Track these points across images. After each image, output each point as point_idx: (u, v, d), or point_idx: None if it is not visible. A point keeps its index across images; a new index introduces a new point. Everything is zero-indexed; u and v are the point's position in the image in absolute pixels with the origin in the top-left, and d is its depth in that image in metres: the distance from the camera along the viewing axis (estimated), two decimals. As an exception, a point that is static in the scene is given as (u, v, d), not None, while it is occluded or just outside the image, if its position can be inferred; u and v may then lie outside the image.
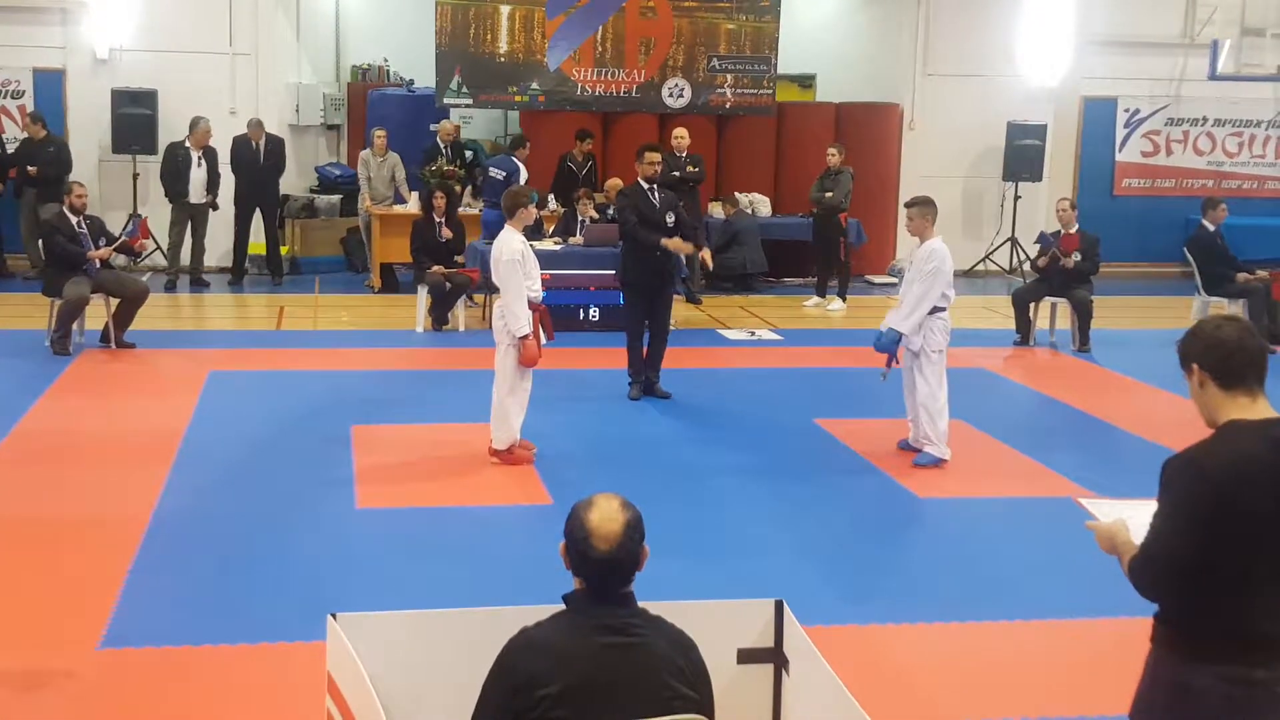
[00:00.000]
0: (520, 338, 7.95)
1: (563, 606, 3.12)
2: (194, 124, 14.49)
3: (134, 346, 11.18)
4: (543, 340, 8.13)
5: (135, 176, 15.01)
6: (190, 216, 14.56)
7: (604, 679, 2.99)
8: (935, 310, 8.21)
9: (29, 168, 14.39)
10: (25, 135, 14.72)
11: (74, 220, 11.19)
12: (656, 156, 10.13)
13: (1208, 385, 3.26)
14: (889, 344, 8.27)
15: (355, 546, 6.73)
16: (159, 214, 15.01)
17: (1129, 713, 3.45)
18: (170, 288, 14.28)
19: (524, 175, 13.34)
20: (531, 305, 8.02)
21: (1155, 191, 17.79)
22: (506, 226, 8.25)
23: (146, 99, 14.91)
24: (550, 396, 9.88)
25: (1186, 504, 3.14)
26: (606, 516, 3.07)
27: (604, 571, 3.06)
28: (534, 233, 13.15)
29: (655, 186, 10.01)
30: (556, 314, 12.34)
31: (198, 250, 14.73)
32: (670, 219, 9.91)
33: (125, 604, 5.85)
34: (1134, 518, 3.48)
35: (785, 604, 3.82)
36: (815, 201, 14.63)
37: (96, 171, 15.16)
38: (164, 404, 9.45)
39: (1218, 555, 3.14)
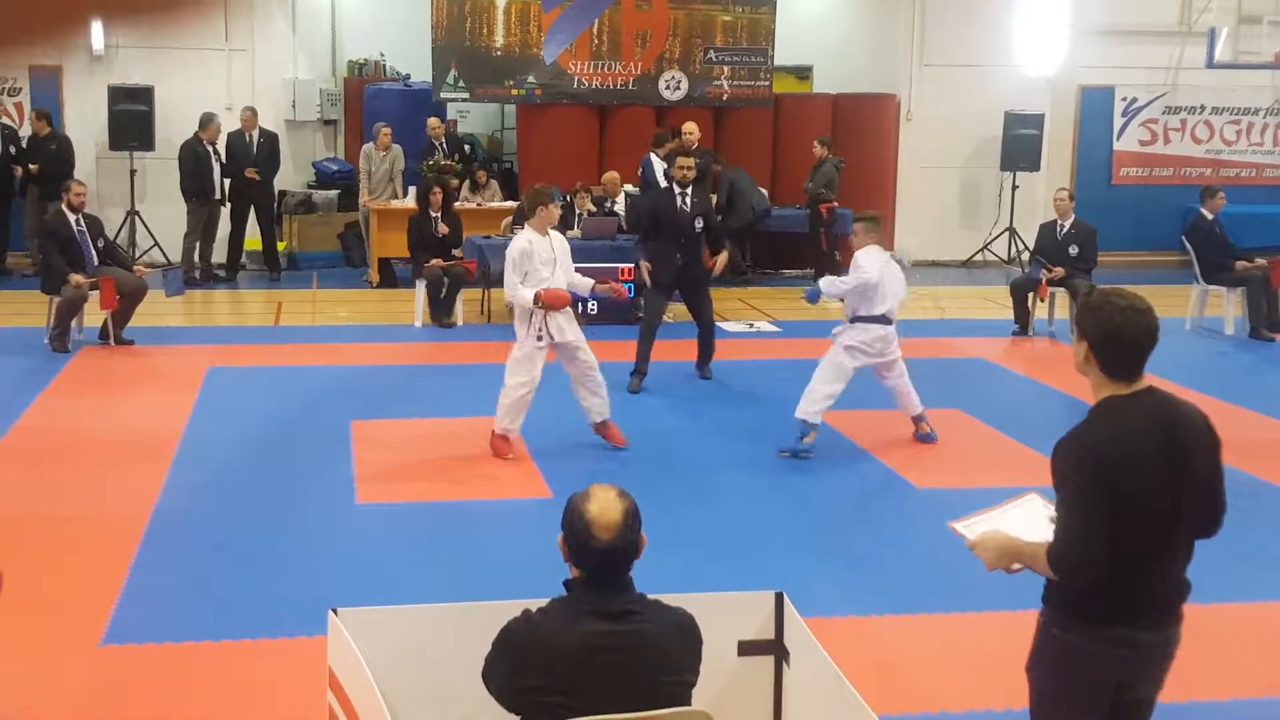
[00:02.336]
0: (535, 303, 7.92)
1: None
2: (208, 120, 14.48)
3: (132, 343, 11.18)
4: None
5: (133, 173, 15.00)
6: (209, 213, 14.57)
7: (603, 664, 3.04)
8: (862, 319, 8.33)
9: (30, 165, 14.41)
10: (29, 133, 14.73)
11: (72, 219, 11.18)
12: (689, 162, 10.18)
13: (1091, 362, 3.37)
14: (810, 295, 8.64)
15: (355, 542, 6.74)
16: (157, 213, 15.03)
17: (1025, 668, 3.55)
18: (192, 284, 13.97)
19: (658, 170, 13.29)
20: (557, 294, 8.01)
21: (1153, 180, 17.78)
22: (525, 224, 8.28)
23: (143, 95, 14.90)
24: (548, 389, 9.88)
25: (1084, 483, 3.24)
26: (605, 507, 3.12)
27: (605, 561, 3.11)
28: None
29: (689, 190, 10.04)
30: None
31: (209, 246, 14.74)
32: (699, 224, 10.01)
33: (127, 601, 5.85)
34: (1008, 526, 3.53)
35: (786, 596, 3.83)
36: (808, 193, 14.76)
37: (94, 169, 15.15)
38: (163, 401, 9.45)
39: (1114, 527, 3.24)
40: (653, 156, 13.67)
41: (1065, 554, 3.28)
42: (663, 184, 11.90)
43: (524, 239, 8.07)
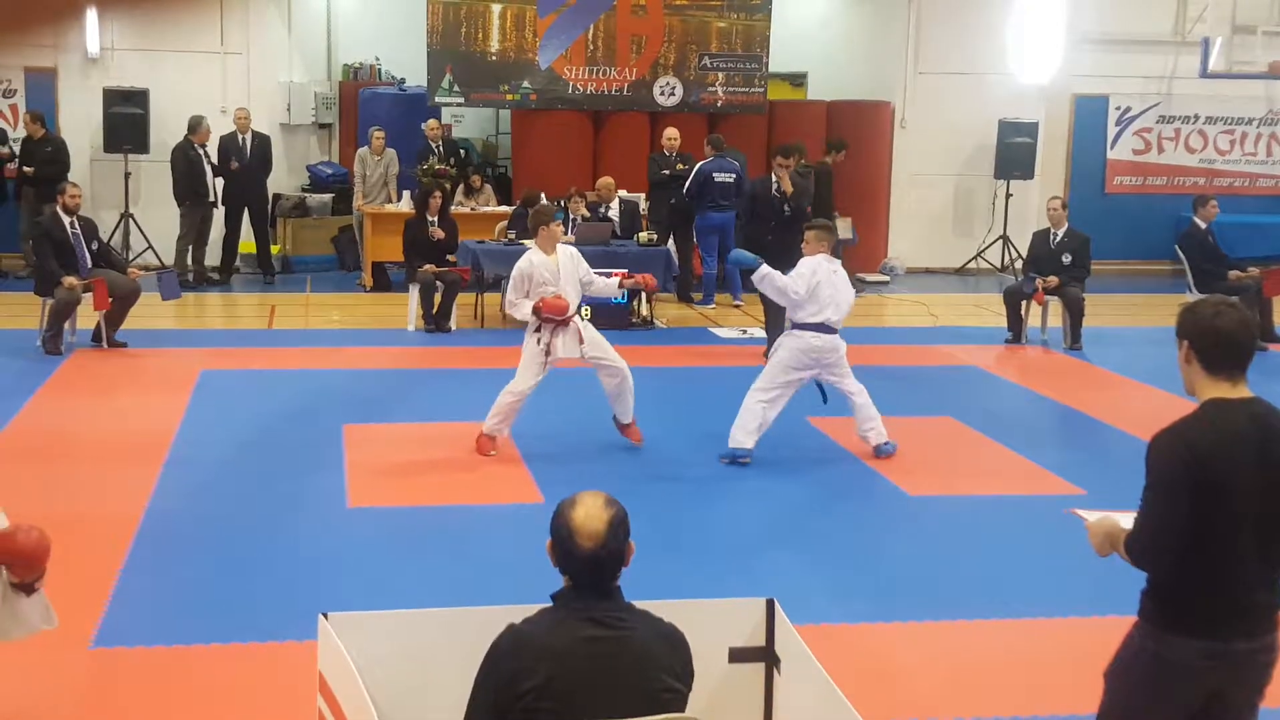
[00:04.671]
0: (534, 313, 8.10)
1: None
2: (197, 123, 14.47)
3: (125, 346, 11.17)
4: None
5: (127, 176, 14.99)
6: (202, 217, 14.58)
7: (590, 671, 3.03)
8: (798, 326, 8.25)
9: (25, 167, 14.40)
10: (25, 135, 14.71)
11: (67, 221, 11.17)
12: (788, 161, 11.75)
13: (1193, 362, 3.41)
14: (732, 260, 8.88)
15: (347, 546, 6.73)
16: (151, 215, 15.03)
17: (1104, 672, 3.56)
18: (185, 286, 13.95)
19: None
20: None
21: (1147, 189, 17.81)
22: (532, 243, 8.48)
23: (138, 98, 14.89)
24: (544, 395, 9.88)
25: (1173, 476, 3.28)
26: (591, 514, 3.11)
27: (590, 568, 3.10)
28: (525, 231, 13.19)
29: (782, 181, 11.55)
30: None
31: (203, 249, 14.73)
32: (786, 209, 11.40)
33: (117, 603, 5.84)
34: (1125, 520, 3.54)
35: (776, 603, 3.83)
36: None
37: (89, 171, 15.14)
38: (156, 403, 9.45)
39: (1203, 527, 3.28)
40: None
41: (1137, 539, 3.35)
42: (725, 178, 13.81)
43: (525, 260, 8.24)
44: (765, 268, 8.36)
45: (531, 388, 8.28)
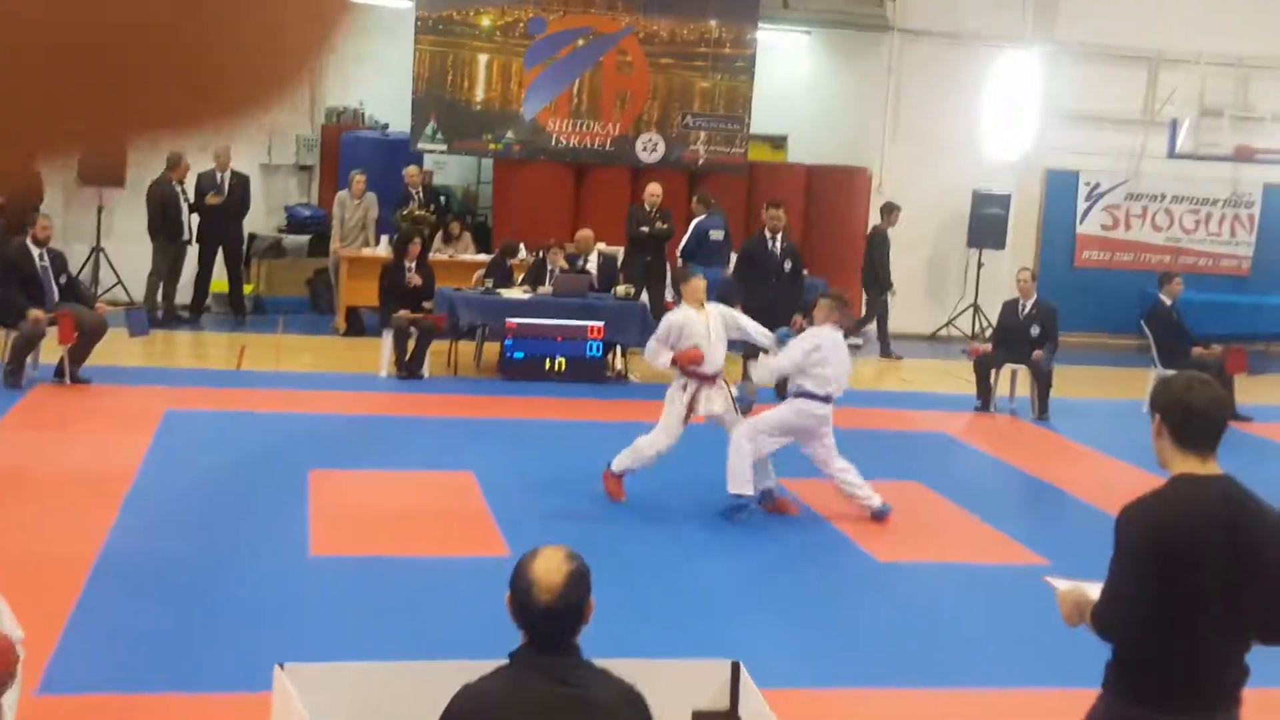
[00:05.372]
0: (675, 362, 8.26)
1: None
2: (175, 159, 14.42)
3: (89, 382, 11.03)
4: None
5: (100, 210, 14.92)
6: (175, 254, 14.50)
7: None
8: (804, 394, 8.22)
9: (-3, 198, 14.33)
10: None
11: (36, 253, 11.09)
12: (778, 212, 12.01)
13: (1165, 437, 3.44)
14: (742, 401, 8.51)
15: (306, 595, 6.64)
16: (122, 250, 14.95)
17: None
18: (154, 323, 13.85)
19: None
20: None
21: (1114, 264, 18.01)
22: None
23: (116, 133, 14.83)
24: (514, 447, 9.85)
25: (1140, 549, 3.30)
26: (550, 567, 3.07)
27: (546, 623, 3.05)
28: (502, 280, 13.24)
29: (779, 237, 11.89)
30: (522, 364, 12.43)
31: (174, 286, 14.66)
32: (787, 266, 11.75)
33: (65, 648, 5.71)
34: (1094, 590, 3.55)
35: (742, 665, 3.80)
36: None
37: (61, 204, 15.06)
38: (117, 441, 9.33)
39: (1168, 601, 3.29)
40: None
41: (1102, 611, 3.36)
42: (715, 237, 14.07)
43: (677, 313, 8.43)
44: (760, 371, 8.45)
45: (669, 447, 8.32)
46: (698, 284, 8.48)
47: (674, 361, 8.25)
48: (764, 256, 11.79)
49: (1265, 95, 17.07)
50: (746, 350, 10.15)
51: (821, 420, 8.25)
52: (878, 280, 15.75)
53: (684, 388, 8.35)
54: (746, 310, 10.97)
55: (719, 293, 12.39)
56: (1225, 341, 13.50)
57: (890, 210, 15.87)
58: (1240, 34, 16.80)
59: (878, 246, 15.78)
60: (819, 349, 8.19)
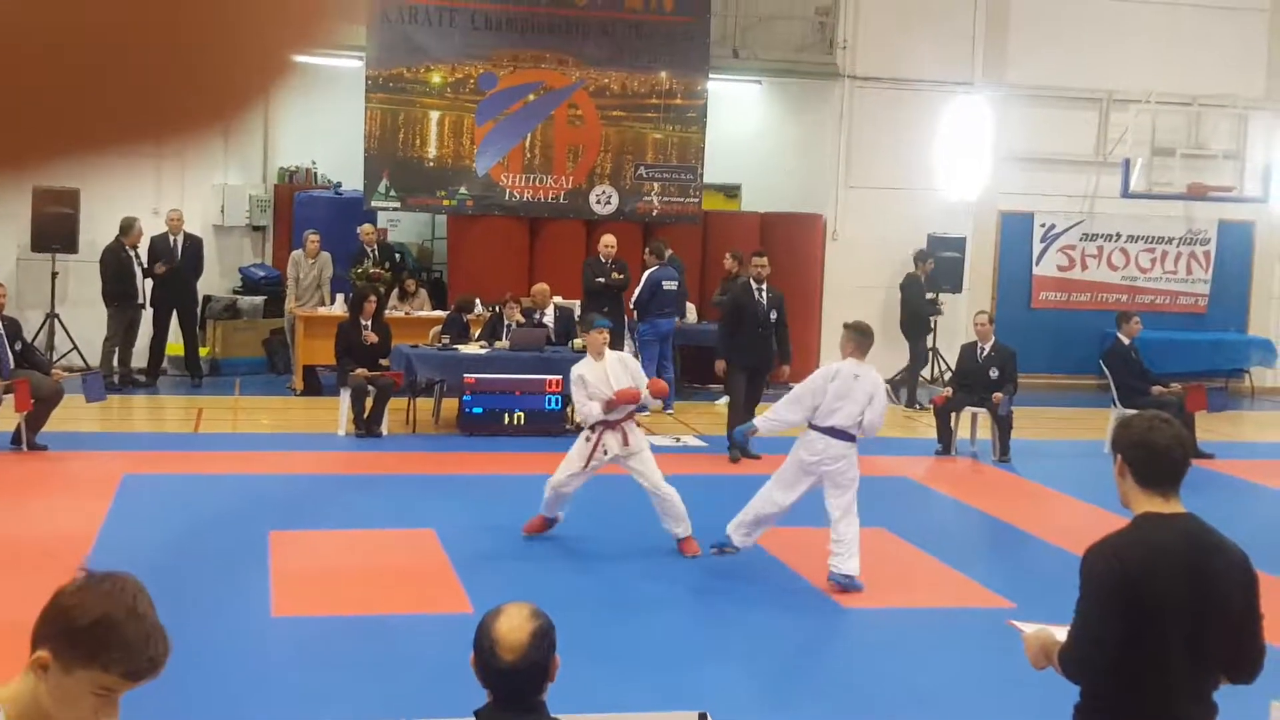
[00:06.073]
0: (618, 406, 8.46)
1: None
2: (129, 225, 14.38)
3: (46, 448, 10.93)
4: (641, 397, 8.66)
5: (54, 275, 14.82)
6: (130, 318, 14.42)
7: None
8: (813, 427, 8.03)
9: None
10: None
11: (-11, 319, 11.00)
12: (763, 260, 12.13)
13: (1127, 477, 3.44)
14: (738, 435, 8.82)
15: (269, 655, 6.57)
16: (77, 316, 14.85)
17: None
18: (110, 388, 13.43)
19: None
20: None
21: (1071, 305, 18.16)
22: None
23: (69, 198, 14.77)
24: (474, 502, 9.79)
25: (1105, 590, 3.30)
26: (513, 625, 3.05)
27: (510, 683, 3.02)
28: (459, 336, 13.22)
29: (764, 286, 11.90)
30: (481, 419, 12.39)
31: (129, 350, 14.56)
32: (773, 315, 11.78)
33: (26, 716, 5.62)
34: (1060, 633, 3.55)
35: (709, 716, 3.77)
36: (717, 305, 15.05)
37: (15, 269, 14.95)
38: (75, 507, 9.22)
39: (1134, 641, 3.29)
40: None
41: (1068, 652, 3.36)
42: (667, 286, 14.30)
43: (578, 369, 8.66)
44: (763, 423, 8.44)
45: (568, 479, 8.55)
46: (595, 337, 8.74)
47: (610, 404, 8.44)
48: (752, 305, 11.82)
49: (1216, 132, 17.33)
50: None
51: (821, 454, 7.88)
52: (915, 325, 15.81)
53: (592, 429, 8.57)
54: (732, 360, 11.52)
55: (719, 343, 12.41)
56: (1185, 379, 13.64)
57: (925, 259, 16.15)
58: (1190, 72, 17.08)
59: (913, 290, 15.86)
60: (835, 378, 7.91)
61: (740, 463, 11.48)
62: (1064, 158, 17.64)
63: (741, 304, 11.90)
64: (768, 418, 8.38)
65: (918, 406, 15.34)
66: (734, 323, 11.93)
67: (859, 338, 8.13)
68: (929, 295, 16.16)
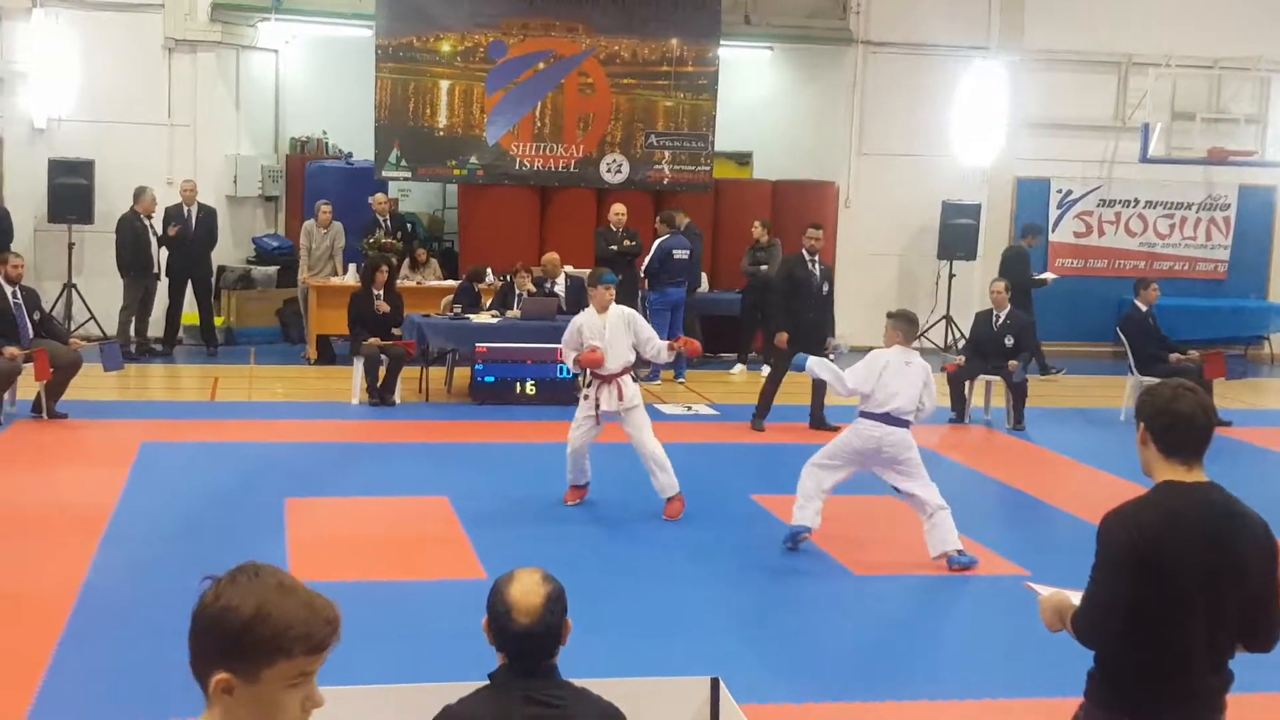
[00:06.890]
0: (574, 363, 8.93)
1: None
2: (141, 192, 14.42)
3: (66, 417, 11.01)
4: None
5: (71, 246, 14.87)
6: (146, 288, 14.48)
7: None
8: (862, 414, 7.99)
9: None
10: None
11: (9, 291, 11.06)
12: (818, 233, 12.08)
13: (1150, 445, 3.42)
14: (795, 366, 8.60)
15: (286, 622, 6.60)
16: (94, 286, 14.91)
17: None
18: (127, 357, 13.42)
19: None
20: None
21: (1088, 271, 18.08)
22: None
23: (84, 169, 14.81)
24: (487, 470, 9.84)
25: (1120, 556, 3.28)
26: (527, 590, 3.08)
27: (525, 645, 3.06)
28: (470, 305, 13.25)
29: (816, 258, 11.93)
30: (493, 388, 12.43)
31: (146, 320, 14.61)
32: (825, 288, 11.84)
33: (51, 683, 5.69)
34: (1076, 596, 3.54)
35: (722, 681, 3.80)
36: (749, 274, 14.96)
37: (32, 241, 15.00)
38: (95, 475, 9.30)
39: (1148, 608, 3.27)
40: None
41: (1083, 617, 3.35)
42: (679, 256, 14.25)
43: (578, 317, 8.90)
44: (812, 359, 8.38)
45: (582, 440, 8.74)
46: (602, 292, 8.83)
47: (577, 361, 8.72)
48: (805, 276, 11.79)
49: (1237, 96, 17.20)
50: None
51: (879, 442, 7.86)
52: (1017, 299, 15.57)
53: (590, 385, 8.81)
54: (787, 330, 11.54)
55: (770, 315, 12.46)
56: (1204, 346, 13.57)
57: (1033, 233, 16.10)
58: (1211, 35, 16.92)
59: (1017, 264, 15.59)
60: (885, 366, 7.93)
61: (765, 431, 11.57)
62: (1081, 123, 17.51)
63: (797, 277, 11.85)
64: (839, 375, 8.06)
65: (1054, 371, 15.47)
66: (789, 295, 11.85)
67: (906, 326, 8.16)
68: (1038, 274, 15.93)
